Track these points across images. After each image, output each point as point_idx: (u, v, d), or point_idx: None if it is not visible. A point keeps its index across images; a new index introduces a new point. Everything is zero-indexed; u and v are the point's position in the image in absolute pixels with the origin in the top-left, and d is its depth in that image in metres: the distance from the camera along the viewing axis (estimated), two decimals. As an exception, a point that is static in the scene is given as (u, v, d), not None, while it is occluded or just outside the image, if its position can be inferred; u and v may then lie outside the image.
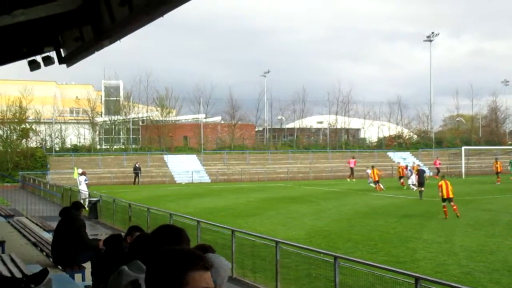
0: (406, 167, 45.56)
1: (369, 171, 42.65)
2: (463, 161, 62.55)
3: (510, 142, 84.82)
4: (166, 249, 2.56)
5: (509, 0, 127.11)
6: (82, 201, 27.37)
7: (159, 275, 2.44)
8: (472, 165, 67.14)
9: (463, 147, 65.92)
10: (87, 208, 25.03)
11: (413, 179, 40.01)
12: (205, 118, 74.35)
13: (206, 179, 58.23)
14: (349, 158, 59.16)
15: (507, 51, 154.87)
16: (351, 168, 56.30)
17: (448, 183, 25.25)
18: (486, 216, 24.75)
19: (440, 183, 25.41)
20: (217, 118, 77.81)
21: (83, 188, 31.84)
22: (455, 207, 24.38)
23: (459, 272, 13.50)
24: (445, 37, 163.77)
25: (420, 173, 35.00)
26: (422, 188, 33.58)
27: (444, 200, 24.78)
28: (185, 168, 58.83)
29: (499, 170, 50.04)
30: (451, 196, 24.70)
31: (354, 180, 53.41)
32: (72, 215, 10.87)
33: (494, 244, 17.18)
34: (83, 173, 33.46)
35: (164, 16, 8.43)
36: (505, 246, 16.84)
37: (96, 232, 20.65)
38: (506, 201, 31.96)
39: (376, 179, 40.61)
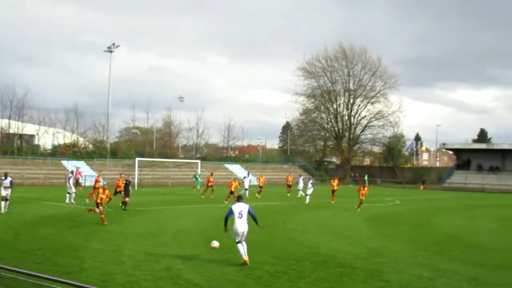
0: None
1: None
2: (136, 172, 64.26)
3: (181, 156, 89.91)
4: None
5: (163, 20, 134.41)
6: None
7: None
8: (145, 176, 69.45)
9: (137, 159, 67.78)
10: None
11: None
12: None
13: None
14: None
15: (182, 69, 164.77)
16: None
17: None
18: (155, 226, 25.65)
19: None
20: None
21: None
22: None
23: (125, 280, 13.69)
24: (127, 50, 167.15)
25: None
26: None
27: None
28: None
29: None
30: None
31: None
32: None
33: (160, 253, 17.81)
34: None
35: None
36: (170, 255, 17.57)
37: None
38: (176, 212, 33.58)
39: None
